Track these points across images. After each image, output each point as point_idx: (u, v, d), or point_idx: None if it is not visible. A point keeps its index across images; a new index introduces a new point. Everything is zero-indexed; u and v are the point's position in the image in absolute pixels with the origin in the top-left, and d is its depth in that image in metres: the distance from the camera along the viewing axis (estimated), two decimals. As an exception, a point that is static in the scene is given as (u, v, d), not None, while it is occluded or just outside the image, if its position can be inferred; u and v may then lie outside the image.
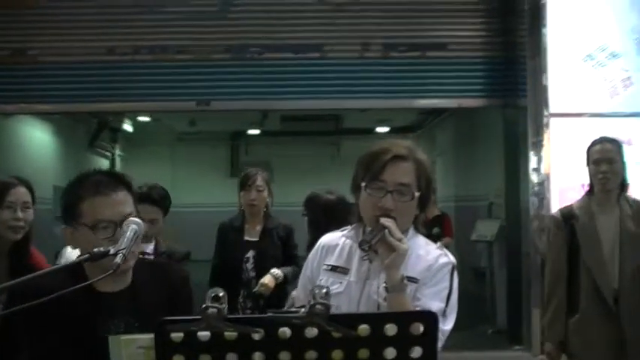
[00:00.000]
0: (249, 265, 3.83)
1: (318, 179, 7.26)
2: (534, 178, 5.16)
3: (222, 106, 5.78)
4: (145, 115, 8.82)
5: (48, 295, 1.46)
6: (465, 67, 5.60)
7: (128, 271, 1.78)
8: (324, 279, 1.90)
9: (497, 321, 6.27)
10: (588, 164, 3.21)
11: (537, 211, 5.12)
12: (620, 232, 3.10)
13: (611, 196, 3.16)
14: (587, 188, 3.31)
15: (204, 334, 1.11)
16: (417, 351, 1.16)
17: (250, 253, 3.85)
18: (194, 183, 12.26)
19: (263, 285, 3.70)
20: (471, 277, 7.75)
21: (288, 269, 3.78)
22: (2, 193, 2.58)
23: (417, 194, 1.85)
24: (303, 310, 1.13)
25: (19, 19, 5.51)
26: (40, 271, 1.71)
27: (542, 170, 5.13)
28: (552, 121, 5.12)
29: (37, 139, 7.19)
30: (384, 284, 1.76)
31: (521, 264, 5.44)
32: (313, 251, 2.02)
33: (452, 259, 1.89)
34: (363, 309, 1.81)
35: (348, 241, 1.95)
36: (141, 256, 3.02)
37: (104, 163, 9.88)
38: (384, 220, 1.78)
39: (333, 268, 1.92)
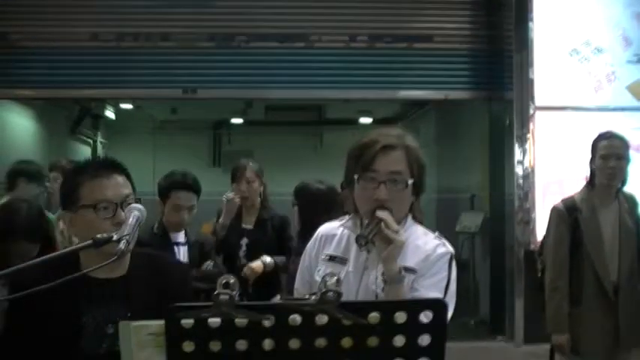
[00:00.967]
0: (242, 253, 3.90)
1: (300, 169, 7.23)
2: (519, 170, 5.21)
3: (207, 94, 5.73)
4: (127, 103, 8.70)
5: (45, 283, 1.47)
6: (451, 59, 5.61)
7: (126, 255, 1.77)
8: (323, 269, 1.89)
9: (480, 312, 6.32)
10: (593, 157, 3.21)
11: (521, 203, 5.18)
12: (619, 226, 3.16)
13: (612, 190, 3.21)
14: (583, 181, 3.34)
15: (214, 321, 1.11)
16: (425, 339, 1.17)
17: (244, 241, 3.91)
18: (176, 172, 12.06)
19: (250, 268, 3.74)
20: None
21: (281, 258, 3.81)
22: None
23: (410, 182, 1.84)
24: (313, 297, 1.13)
25: (0, 3, 5.41)
26: (37, 259, 1.69)
27: (527, 163, 5.18)
28: (537, 114, 5.17)
29: (17, 124, 7.06)
30: (382, 275, 1.76)
31: (504, 256, 5.49)
32: (311, 241, 2.01)
33: (450, 248, 1.90)
34: (361, 299, 1.80)
35: (346, 231, 1.94)
36: (175, 247, 3.03)
37: (86, 150, 9.75)
38: (379, 213, 1.77)
39: (332, 258, 1.92)
